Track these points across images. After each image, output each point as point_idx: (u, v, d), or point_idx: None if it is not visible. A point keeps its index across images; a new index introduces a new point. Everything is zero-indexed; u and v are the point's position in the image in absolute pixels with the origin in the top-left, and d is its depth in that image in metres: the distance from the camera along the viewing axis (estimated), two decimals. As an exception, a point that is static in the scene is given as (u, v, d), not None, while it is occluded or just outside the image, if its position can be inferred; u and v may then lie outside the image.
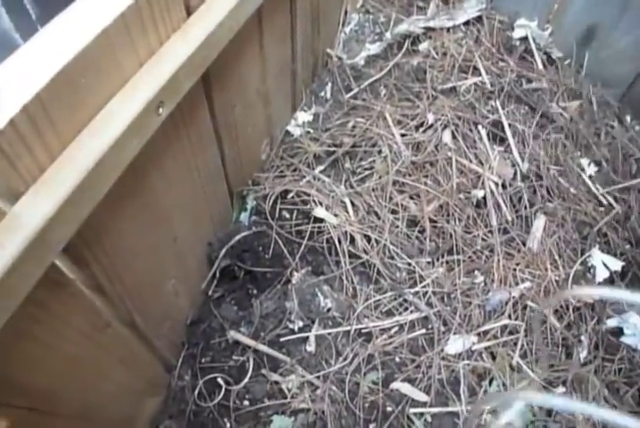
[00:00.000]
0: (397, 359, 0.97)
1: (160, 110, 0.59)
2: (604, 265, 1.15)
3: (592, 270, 1.13)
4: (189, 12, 0.65)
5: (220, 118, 0.84)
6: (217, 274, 0.97)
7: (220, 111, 0.83)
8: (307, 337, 0.99)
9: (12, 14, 0.79)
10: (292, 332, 0.99)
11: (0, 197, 0.46)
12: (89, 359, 0.68)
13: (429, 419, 0.96)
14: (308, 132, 1.21)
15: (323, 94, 1.30)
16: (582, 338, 1.09)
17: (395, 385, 0.96)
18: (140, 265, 0.74)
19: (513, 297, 1.02)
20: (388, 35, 1.43)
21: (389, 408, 0.96)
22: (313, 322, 1.00)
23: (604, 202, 1.29)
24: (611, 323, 1.14)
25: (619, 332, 1.15)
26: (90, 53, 0.50)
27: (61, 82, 0.47)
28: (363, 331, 0.99)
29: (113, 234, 0.64)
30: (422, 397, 0.96)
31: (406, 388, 0.97)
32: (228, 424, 0.92)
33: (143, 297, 0.78)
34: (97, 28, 0.51)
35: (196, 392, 0.94)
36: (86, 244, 0.59)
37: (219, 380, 0.94)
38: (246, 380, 0.95)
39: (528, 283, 1.04)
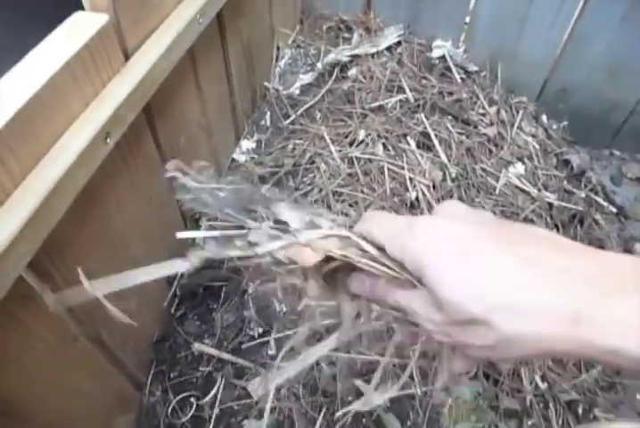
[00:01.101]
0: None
1: (108, 140, 0.70)
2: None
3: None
4: (127, 57, 0.77)
5: (165, 147, 0.95)
6: (178, 292, 1.06)
7: (165, 140, 0.94)
8: (268, 341, 1.08)
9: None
10: (253, 338, 1.07)
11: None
12: (60, 371, 0.76)
13: (388, 404, 1.06)
14: (253, 158, 1.32)
15: (263, 122, 1.43)
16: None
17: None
18: (103, 282, 0.83)
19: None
20: (319, 65, 1.58)
21: (349, 398, 1.05)
22: (271, 327, 1.09)
23: (531, 194, 1.43)
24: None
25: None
26: (42, 96, 0.61)
27: (18, 121, 0.58)
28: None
29: (74, 252, 0.74)
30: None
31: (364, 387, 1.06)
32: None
33: (108, 313, 0.87)
34: (46, 75, 0.62)
35: (169, 409, 1.01)
36: (49, 259, 0.69)
37: (190, 393, 1.02)
38: (214, 390, 1.03)
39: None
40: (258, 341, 1.07)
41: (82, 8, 0.74)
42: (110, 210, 0.81)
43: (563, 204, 1.43)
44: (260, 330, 1.08)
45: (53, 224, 0.63)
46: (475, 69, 1.67)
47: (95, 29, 0.69)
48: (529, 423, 1.10)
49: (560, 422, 1.12)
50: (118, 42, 0.75)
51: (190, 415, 1.01)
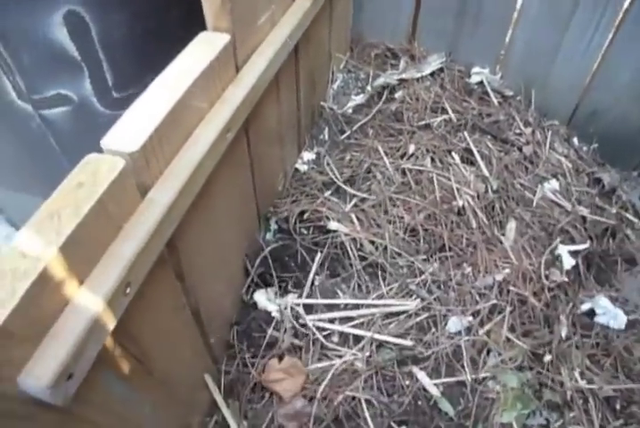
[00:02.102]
0: (409, 339, 1.17)
1: (228, 134, 0.84)
2: (570, 254, 1.38)
3: (559, 259, 1.37)
4: (237, 70, 0.92)
5: (253, 150, 1.09)
6: (255, 279, 1.18)
7: (253, 144, 1.08)
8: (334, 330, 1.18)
9: (94, 83, 1.05)
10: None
11: (139, 188, 0.69)
12: (172, 332, 0.88)
13: (441, 389, 1.15)
14: (313, 168, 1.46)
15: (321, 137, 1.57)
16: (561, 317, 1.30)
17: (409, 368, 1.15)
18: (204, 262, 0.96)
19: (497, 281, 1.25)
20: (369, 87, 1.73)
21: (406, 382, 1.15)
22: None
23: (565, 208, 1.55)
24: (585, 306, 1.36)
25: (591, 313, 1.37)
26: (183, 100, 0.75)
27: (169, 117, 0.72)
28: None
29: (191, 231, 0.87)
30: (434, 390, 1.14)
31: (421, 374, 1.15)
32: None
33: (206, 292, 0.99)
34: (188, 82, 0.76)
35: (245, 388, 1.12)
36: (177, 233, 0.81)
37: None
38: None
39: (507, 270, 1.27)
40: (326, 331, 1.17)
41: (205, 28, 0.89)
42: (213, 200, 0.95)
43: (596, 218, 1.54)
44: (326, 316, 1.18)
45: (193, 196, 0.76)
46: (511, 93, 1.82)
47: (222, 45, 0.84)
48: (571, 415, 1.19)
49: (599, 415, 1.20)
50: (233, 56, 0.90)
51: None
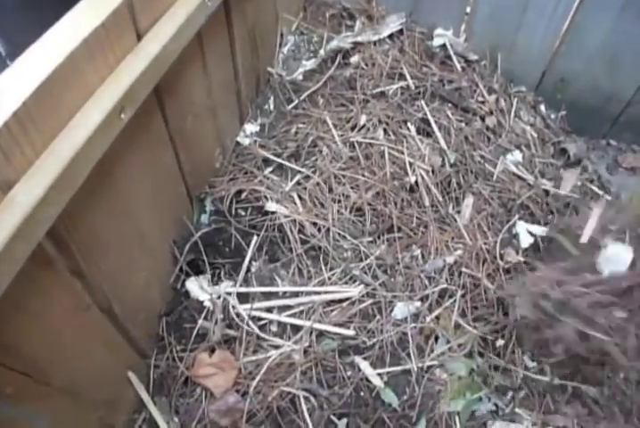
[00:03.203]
0: (351, 328, 1.10)
1: (122, 115, 0.73)
2: (529, 232, 1.31)
3: (517, 238, 1.29)
4: (139, 37, 0.80)
5: (173, 125, 0.98)
6: (184, 268, 1.09)
7: (172, 119, 0.97)
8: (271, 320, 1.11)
9: (-16, 52, 0.92)
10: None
11: (-1, 185, 0.58)
12: (73, 336, 0.80)
13: (385, 379, 1.09)
14: (256, 141, 1.35)
15: (266, 107, 1.45)
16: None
17: (351, 359, 1.08)
18: (113, 254, 0.86)
19: (449, 264, 1.17)
20: (321, 52, 1.60)
21: (348, 373, 1.08)
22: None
23: (527, 181, 1.46)
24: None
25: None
26: (61, 69, 0.63)
27: (40, 93, 0.61)
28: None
29: (87, 223, 0.77)
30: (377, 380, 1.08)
31: (363, 364, 1.09)
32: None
33: (119, 285, 0.90)
34: (66, 50, 0.65)
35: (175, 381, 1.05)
36: (65, 228, 0.72)
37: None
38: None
39: (459, 252, 1.19)
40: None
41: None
42: (121, 185, 0.84)
43: (559, 192, 1.47)
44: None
45: (73, 191, 0.66)
46: (475, 58, 1.70)
47: (111, 8, 0.72)
48: (520, 395, 1.14)
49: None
50: (132, 22, 0.78)
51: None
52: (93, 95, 0.71)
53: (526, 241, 1.30)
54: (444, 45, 1.70)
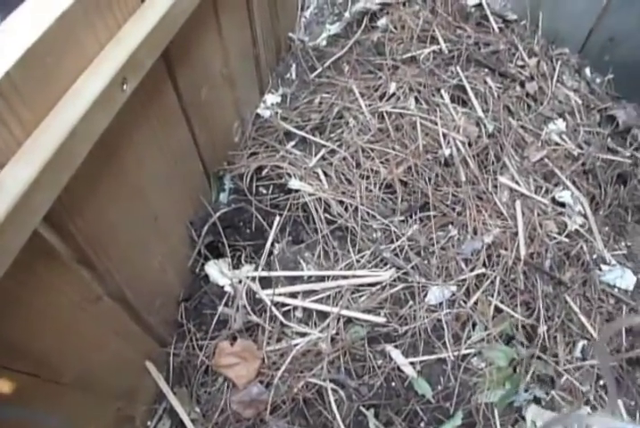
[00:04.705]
0: (382, 314, 1.02)
1: (125, 86, 0.64)
2: (576, 201, 1.21)
3: (564, 214, 1.19)
4: (143, -1, 0.71)
5: (187, 98, 0.89)
6: (203, 251, 1.02)
7: (186, 91, 0.88)
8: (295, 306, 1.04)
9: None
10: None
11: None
12: (84, 329, 0.74)
13: (418, 368, 1.02)
14: (277, 112, 1.26)
15: (288, 75, 1.35)
16: (563, 279, 1.14)
17: (382, 347, 1.01)
18: (124, 240, 0.80)
19: (487, 244, 1.08)
20: (346, 14, 1.49)
21: (378, 362, 1.01)
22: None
23: (572, 152, 1.35)
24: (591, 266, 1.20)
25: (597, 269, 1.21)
26: (52, 34, 0.55)
27: (27, 61, 0.52)
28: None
29: (93, 208, 0.70)
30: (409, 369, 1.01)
31: (395, 353, 1.02)
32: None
33: (132, 273, 0.83)
34: (56, 11, 0.56)
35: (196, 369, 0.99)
36: (68, 215, 0.65)
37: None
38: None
39: (498, 231, 1.10)
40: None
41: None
42: (129, 164, 0.77)
43: (607, 161, 1.35)
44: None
45: (71, 172, 0.58)
46: (514, 17, 1.56)
47: (108, -38, 0.63)
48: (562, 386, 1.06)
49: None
50: (134, -22, 0.69)
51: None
52: (90, 65, 0.63)
53: (574, 219, 1.19)
54: (480, 5, 1.56)
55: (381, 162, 1.14)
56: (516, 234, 1.12)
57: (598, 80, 1.58)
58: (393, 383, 1.00)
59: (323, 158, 1.14)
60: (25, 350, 0.63)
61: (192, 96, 0.93)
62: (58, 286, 0.66)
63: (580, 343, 1.11)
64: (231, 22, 1.03)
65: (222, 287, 1.02)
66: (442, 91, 1.31)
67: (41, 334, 0.65)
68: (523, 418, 1.02)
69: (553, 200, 1.23)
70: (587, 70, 1.57)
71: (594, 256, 1.21)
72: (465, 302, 1.05)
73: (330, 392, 0.96)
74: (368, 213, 1.08)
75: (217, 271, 1.02)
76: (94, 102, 0.60)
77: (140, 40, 0.67)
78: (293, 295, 1.03)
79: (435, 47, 1.41)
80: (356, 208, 1.08)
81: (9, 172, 0.53)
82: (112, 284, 0.78)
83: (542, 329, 1.07)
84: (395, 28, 1.45)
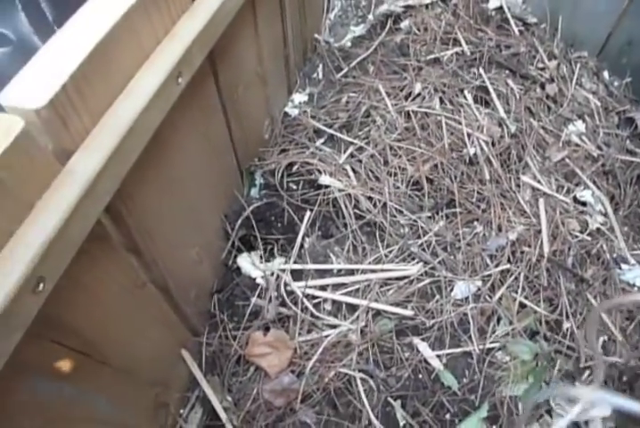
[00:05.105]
0: (409, 307, 1.05)
1: (180, 79, 0.67)
2: (597, 200, 1.23)
3: (585, 213, 1.21)
4: (193, -5, 0.74)
5: (225, 93, 0.92)
6: (236, 243, 1.05)
7: (225, 86, 0.91)
8: (325, 298, 1.06)
9: (31, 18, 0.87)
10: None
11: (56, 155, 0.54)
12: (130, 314, 0.77)
13: (444, 361, 1.04)
14: (305, 111, 1.28)
15: (315, 75, 1.38)
16: (585, 276, 1.16)
17: (409, 340, 1.03)
18: (167, 230, 0.82)
19: (511, 241, 1.10)
20: (370, 16, 1.52)
21: (406, 354, 1.04)
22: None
23: (591, 152, 1.37)
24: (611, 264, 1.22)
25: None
26: (118, 29, 0.58)
27: (97, 55, 0.56)
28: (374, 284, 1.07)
29: (141, 197, 0.72)
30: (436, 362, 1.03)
31: (422, 346, 1.04)
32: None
33: (173, 262, 0.86)
34: (121, 10, 0.59)
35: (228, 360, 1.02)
36: (122, 203, 0.67)
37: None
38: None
39: (522, 228, 1.12)
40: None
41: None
42: (174, 155, 0.79)
43: (627, 161, 1.37)
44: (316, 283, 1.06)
45: (131, 162, 0.61)
46: (534, 20, 1.59)
47: (167, -38, 0.66)
48: (584, 381, 1.08)
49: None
50: (186, -23, 0.72)
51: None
52: (148, 59, 0.66)
53: (595, 218, 1.22)
54: (500, 8, 1.59)
55: (408, 160, 1.17)
56: (539, 231, 1.15)
57: (616, 83, 1.60)
58: (420, 375, 1.02)
59: (351, 155, 1.17)
60: (77, 329, 0.65)
61: (230, 92, 0.96)
62: (111, 271, 0.69)
63: (601, 339, 1.13)
64: (266, 23, 1.06)
65: (254, 279, 1.04)
66: (465, 91, 1.34)
67: (93, 316, 0.67)
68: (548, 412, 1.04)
69: (575, 199, 1.25)
70: (606, 73, 1.60)
71: (614, 255, 1.23)
72: (490, 297, 1.07)
73: (359, 382, 0.98)
74: (396, 209, 1.11)
75: (250, 263, 1.05)
76: (154, 94, 0.63)
77: (194, 36, 0.70)
78: (323, 288, 1.05)
79: (457, 49, 1.44)
80: (385, 204, 1.10)
81: (79, 159, 0.55)
82: (156, 272, 0.81)
83: (565, 325, 1.09)
84: (418, 30, 1.48)
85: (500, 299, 1.08)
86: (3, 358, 0.48)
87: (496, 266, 1.09)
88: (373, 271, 1.06)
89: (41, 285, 0.50)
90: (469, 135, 1.23)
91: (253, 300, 1.02)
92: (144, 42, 0.65)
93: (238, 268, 1.07)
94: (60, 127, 0.54)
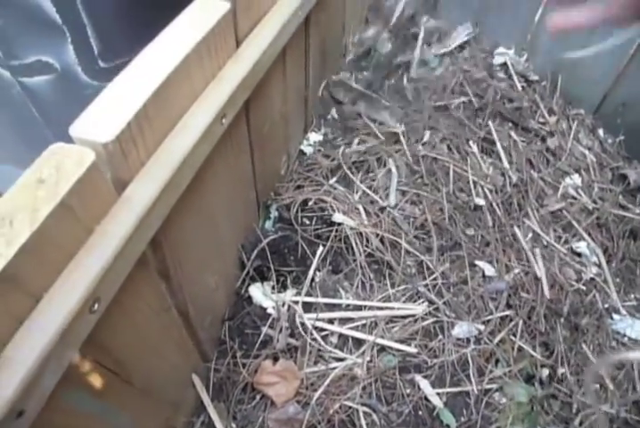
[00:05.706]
0: (413, 345, 1.08)
1: (224, 120, 0.73)
2: (592, 252, 1.29)
3: (579, 262, 1.27)
4: (238, 44, 0.80)
5: (253, 131, 0.98)
6: (251, 273, 1.08)
7: (254, 125, 0.97)
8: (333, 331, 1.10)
9: (78, 50, 0.93)
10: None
11: (114, 185, 0.58)
12: (155, 337, 0.80)
13: (444, 399, 1.07)
14: (319, 150, 1.35)
15: (329, 116, 1.45)
16: (582, 323, 1.21)
17: (412, 376, 1.07)
18: (193, 257, 0.86)
19: (511, 286, 1.15)
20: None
21: (407, 390, 1.07)
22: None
23: (587, 206, 1.44)
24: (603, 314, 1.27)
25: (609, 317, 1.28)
26: (176, 74, 0.64)
27: (157, 97, 0.61)
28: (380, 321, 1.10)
29: (176, 225, 0.76)
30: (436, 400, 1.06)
31: (424, 383, 1.07)
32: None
33: (195, 289, 0.90)
34: (181, 54, 0.65)
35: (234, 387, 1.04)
36: (162, 229, 0.71)
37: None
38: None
39: (521, 273, 1.17)
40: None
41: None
42: (207, 187, 0.84)
43: (619, 216, 1.44)
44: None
45: (179, 194, 0.66)
46: (536, 78, 1.69)
47: (220, 14, 0.72)
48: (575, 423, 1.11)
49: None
50: (233, 27, 0.78)
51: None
52: (197, 100, 0.71)
53: (590, 269, 1.27)
54: (505, 64, 1.69)
55: (414, 203, 1.23)
56: (537, 278, 1.20)
57: (610, 141, 1.69)
58: (420, 412, 1.05)
59: (365, 194, 1.23)
60: (111, 349, 0.68)
61: (258, 131, 1.01)
62: (145, 294, 0.72)
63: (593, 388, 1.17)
64: (293, 67, 1.13)
65: (265, 309, 1.08)
66: (471, 141, 1.42)
67: (125, 336, 0.71)
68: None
69: (571, 249, 1.31)
70: (601, 131, 1.69)
71: (607, 305, 1.29)
72: (491, 340, 1.11)
73: (362, 416, 1.00)
74: (405, 249, 1.16)
75: (261, 293, 1.08)
76: (202, 133, 0.68)
77: (239, 80, 0.76)
78: (331, 321, 1.09)
79: (464, 99, 1.53)
80: (394, 243, 1.15)
81: (135, 189, 0.60)
82: (180, 297, 0.84)
83: (560, 371, 1.13)
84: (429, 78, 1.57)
85: (500, 342, 1.12)
86: (56, 376, 0.51)
87: (497, 309, 1.13)
88: (380, 308, 1.10)
89: (96, 305, 0.54)
90: (474, 183, 1.29)
91: (264, 329, 1.05)
92: (196, 84, 0.71)
93: (249, 297, 1.10)
94: (121, 160, 0.58)
